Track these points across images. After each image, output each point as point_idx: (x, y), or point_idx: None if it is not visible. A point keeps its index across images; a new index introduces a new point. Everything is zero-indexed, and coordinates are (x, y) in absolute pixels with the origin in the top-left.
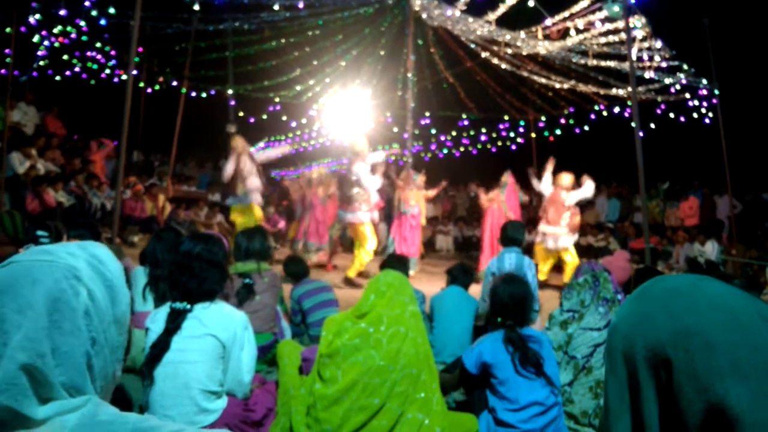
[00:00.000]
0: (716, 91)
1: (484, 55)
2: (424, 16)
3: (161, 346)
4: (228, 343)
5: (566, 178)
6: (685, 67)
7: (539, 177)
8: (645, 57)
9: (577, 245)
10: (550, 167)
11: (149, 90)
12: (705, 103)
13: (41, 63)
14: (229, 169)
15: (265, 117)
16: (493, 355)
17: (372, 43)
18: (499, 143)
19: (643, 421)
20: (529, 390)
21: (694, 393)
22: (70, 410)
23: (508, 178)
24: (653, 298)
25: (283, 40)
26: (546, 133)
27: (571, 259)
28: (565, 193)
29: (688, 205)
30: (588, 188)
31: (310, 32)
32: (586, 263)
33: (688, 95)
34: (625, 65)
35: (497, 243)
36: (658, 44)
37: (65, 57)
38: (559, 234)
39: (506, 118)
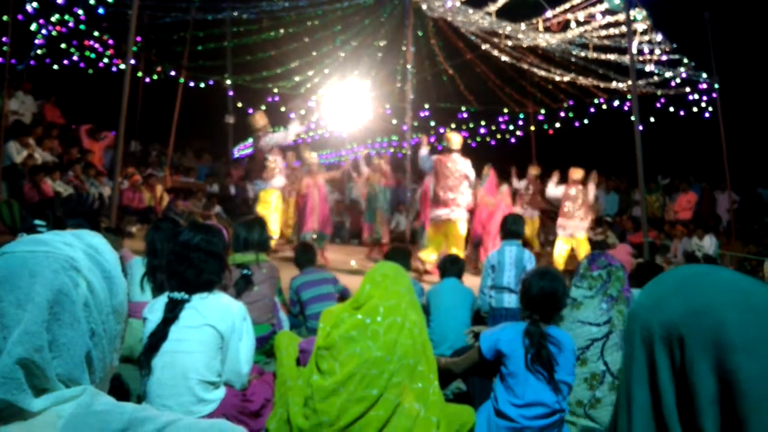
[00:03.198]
0: (716, 85)
1: (484, 47)
2: (424, 7)
3: (159, 336)
4: (226, 333)
5: (577, 173)
6: (686, 60)
7: (519, 176)
8: (645, 50)
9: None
10: (555, 178)
11: (147, 80)
12: (705, 97)
13: (39, 52)
14: (278, 138)
15: (263, 108)
16: (509, 346)
17: (371, 34)
18: (499, 136)
19: (661, 399)
20: (536, 390)
21: (705, 369)
22: (66, 400)
23: (488, 170)
24: (668, 283)
25: (282, 31)
26: (545, 126)
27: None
28: (575, 189)
29: (686, 198)
30: (591, 191)
31: (309, 22)
32: (602, 254)
33: (688, 89)
34: (626, 58)
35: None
36: (659, 37)
37: (63, 46)
38: (577, 226)
39: (506, 110)
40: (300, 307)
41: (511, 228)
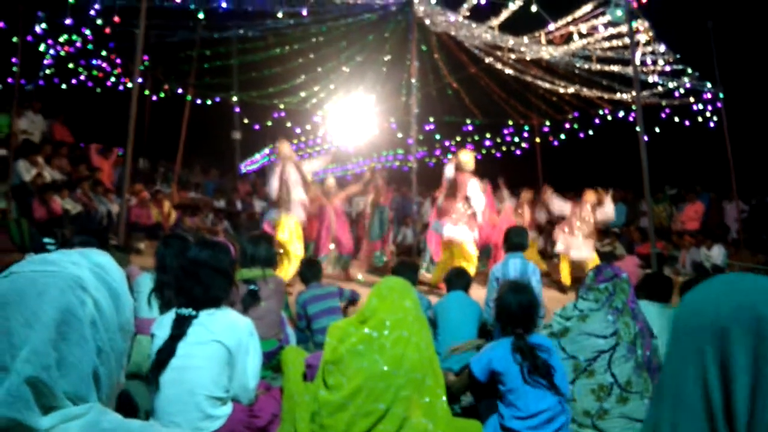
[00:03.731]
0: (721, 95)
1: (487, 60)
2: (427, 22)
3: (167, 352)
4: (233, 349)
5: (590, 195)
6: (689, 70)
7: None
8: (648, 61)
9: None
10: (548, 193)
11: (154, 97)
12: (709, 107)
13: (47, 71)
14: (274, 182)
15: (269, 123)
16: (502, 364)
17: (376, 50)
18: (504, 148)
19: (708, 388)
20: (537, 398)
21: (744, 355)
22: (73, 418)
23: (485, 186)
24: (717, 286)
25: (287, 47)
26: (551, 138)
27: None
28: (588, 208)
29: (693, 209)
30: (609, 208)
31: (314, 39)
32: (608, 266)
33: (692, 99)
34: (629, 69)
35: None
36: (662, 48)
37: (71, 65)
38: (581, 245)
39: (510, 123)
40: (307, 322)
41: (514, 240)
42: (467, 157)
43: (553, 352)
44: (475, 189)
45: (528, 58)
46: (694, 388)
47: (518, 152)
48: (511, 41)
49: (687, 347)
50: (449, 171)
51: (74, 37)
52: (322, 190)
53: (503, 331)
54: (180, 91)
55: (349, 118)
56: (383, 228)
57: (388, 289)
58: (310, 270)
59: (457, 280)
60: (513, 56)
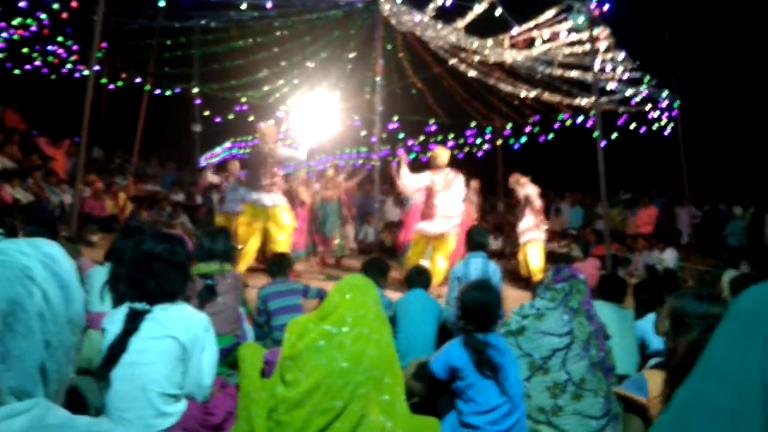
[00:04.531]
0: (677, 103)
1: (451, 61)
2: (393, 21)
3: (118, 347)
4: (188, 345)
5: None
6: (647, 78)
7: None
8: (608, 68)
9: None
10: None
11: (111, 86)
12: (666, 114)
13: (0, 56)
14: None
15: (231, 117)
16: (460, 359)
17: (341, 46)
18: (466, 149)
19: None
20: (496, 393)
21: None
22: (17, 414)
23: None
24: None
25: (250, 40)
26: (512, 141)
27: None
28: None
29: (647, 213)
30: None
31: (278, 33)
32: (567, 267)
33: (649, 106)
34: (589, 76)
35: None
36: (621, 56)
37: (25, 50)
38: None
39: (473, 124)
40: (266, 317)
41: (476, 239)
42: (444, 153)
43: (505, 353)
44: (459, 182)
45: (491, 61)
46: (751, 370)
47: (480, 153)
48: (475, 43)
49: (748, 332)
50: (407, 173)
51: (29, 20)
52: (296, 183)
53: (462, 328)
54: (138, 80)
55: (312, 114)
56: (328, 223)
57: (351, 287)
58: (277, 264)
59: (418, 278)
60: (477, 58)
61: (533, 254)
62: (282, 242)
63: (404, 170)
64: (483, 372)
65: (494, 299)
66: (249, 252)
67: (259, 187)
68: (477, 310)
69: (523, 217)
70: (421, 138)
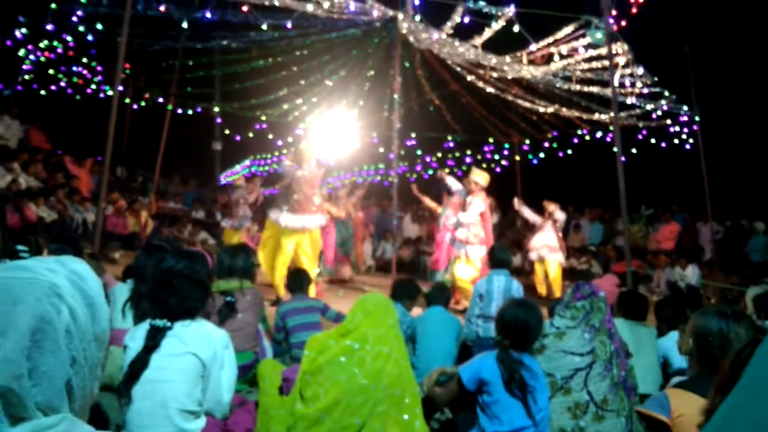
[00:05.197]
0: (697, 118)
1: (469, 78)
2: (411, 39)
3: (140, 364)
4: (208, 361)
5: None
6: (667, 93)
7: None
8: (627, 83)
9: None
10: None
11: (135, 106)
12: (686, 129)
13: (26, 77)
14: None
15: (251, 135)
16: (490, 373)
17: (359, 64)
18: (484, 165)
19: None
20: (520, 413)
21: None
22: (44, 429)
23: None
24: None
25: (270, 60)
26: (530, 156)
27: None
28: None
29: (669, 229)
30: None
31: (297, 52)
32: (586, 284)
33: (669, 121)
34: (608, 91)
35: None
36: (640, 71)
37: (51, 71)
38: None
39: (491, 140)
40: (285, 334)
41: (499, 257)
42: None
43: (538, 376)
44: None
45: (509, 77)
46: None
47: (498, 170)
48: (493, 60)
49: None
50: (479, 202)
51: (55, 43)
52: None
53: (498, 343)
54: (161, 100)
55: (331, 132)
56: (344, 243)
57: (374, 305)
58: (296, 280)
59: (438, 295)
60: (495, 75)
61: (553, 267)
62: (307, 264)
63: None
64: (512, 390)
65: (534, 319)
66: (278, 267)
67: (291, 208)
68: (516, 327)
69: (541, 232)
70: (439, 154)
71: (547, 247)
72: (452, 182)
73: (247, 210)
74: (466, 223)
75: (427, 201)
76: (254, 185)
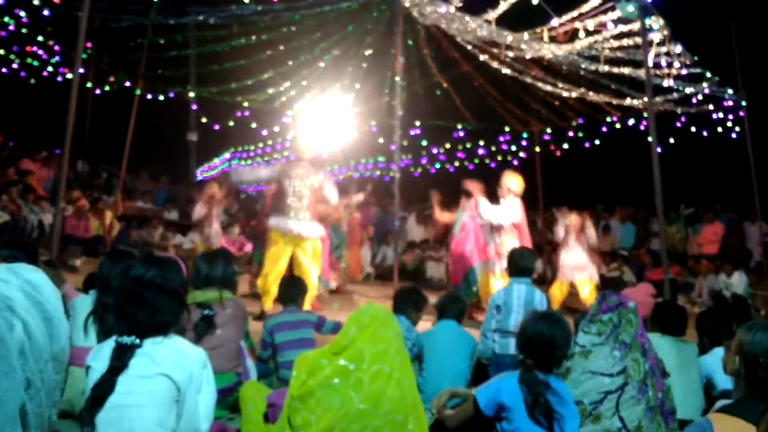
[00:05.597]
0: (743, 102)
1: (482, 58)
2: (415, 13)
3: (104, 387)
4: (183, 384)
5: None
6: (708, 75)
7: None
8: (663, 63)
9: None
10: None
11: (98, 91)
12: (731, 116)
13: None
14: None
15: (231, 123)
16: (512, 397)
17: (356, 43)
18: (499, 157)
19: None
20: None
21: None
22: None
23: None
24: None
25: (253, 37)
26: (552, 147)
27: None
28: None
29: (712, 230)
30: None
31: (285, 29)
32: (613, 294)
33: (711, 106)
34: (641, 72)
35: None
36: (678, 49)
37: (1, 52)
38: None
39: (507, 129)
40: (272, 352)
41: (520, 263)
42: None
43: (566, 402)
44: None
45: (528, 57)
46: None
47: (515, 162)
48: (509, 37)
49: None
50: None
51: (6, 19)
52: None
53: (521, 362)
54: (128, 84)
55: (323, 120)
56: (336, 248)
57: (370, 318)
58: (289, 290)
59: (451, 306)
60: (511, 54)
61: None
62: (309, 276)
63: (484, 204)
64: (535, 417)
65: (560, 335)
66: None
67: (285, 211)
68: (540, 344)
69: (567, 249)
70: (447, 145)
71: (576, 269)
72: (485, 208)
73: (217, 225)
74: (496, 224)
75: (442, 216)
76: (216, 194)
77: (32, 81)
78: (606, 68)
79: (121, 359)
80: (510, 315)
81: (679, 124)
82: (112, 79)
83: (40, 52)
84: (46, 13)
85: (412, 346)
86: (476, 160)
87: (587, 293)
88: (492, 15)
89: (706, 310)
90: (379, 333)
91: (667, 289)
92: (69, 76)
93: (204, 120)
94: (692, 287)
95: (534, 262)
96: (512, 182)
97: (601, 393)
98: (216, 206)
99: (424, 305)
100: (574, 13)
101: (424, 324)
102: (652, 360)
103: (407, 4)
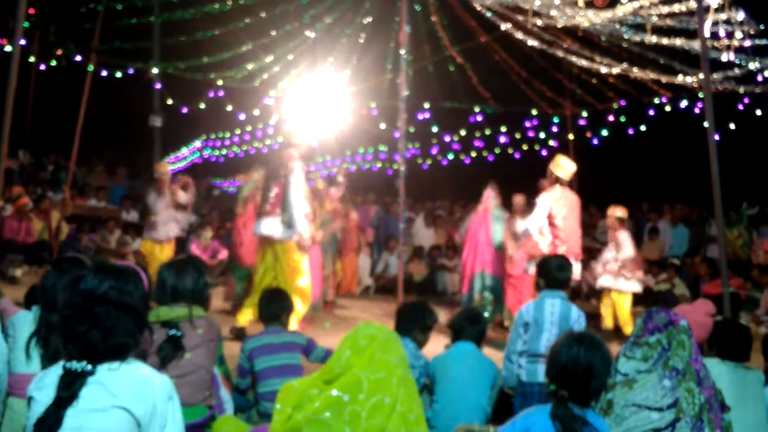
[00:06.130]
0: None
1: (504, 27)
2: None
3: (49, 422)
4: (144, 419)
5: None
6: None
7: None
8: (722, 33)
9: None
10: None
11: (43, 66)
12: None
13: None
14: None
15: (203, 106)
16: None
17: (352, 8)
18: (525, 146)
19: None
20: None
21: None
22: None
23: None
24: None
25: (229, 2)
26: (589, 134)
27: None
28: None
29: None
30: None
31: None
32: (662, 311)
33: None
34: (696, 44)
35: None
36: (741, 16)
37: None
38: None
39: (534, 112)
40: (252, 381)
41: (555, 274)
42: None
43: None
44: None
45: (559, 26)
46: None
47: (544, 152)
48: (537, 1)
49: None
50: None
51: None
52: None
53: (552, 394)
54: (79, 58)
55: (313, 102)
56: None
57: (368, 339)
58: (270, 305)
59: (470, 326)
60: (539, 22)
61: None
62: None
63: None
64: None
65: (600, 361)
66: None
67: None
68: (575, 372)
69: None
70: (462, 132)
71: (609, 273)
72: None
73: (168, 215)
74: (527, 234)
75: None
76: (165, 175)
77: None
78: (653, 39)
79: (69, 389)
80: (541, 335)
81: (741, 107)
82: (60, 52)
83: None
84: None
85: (420, 376)
86: (497, 150)
87: (622, 308)
88: None
89: None
90: (378, 357)
91: (726, 305)
92: (8, 48)
93: (170, 102)
94: (757, 303)
95: (571, 273)
96: (560, 169)
97: (648, 431)
98: (167, 190)
99: (433, 324)
100: None
101: (435, 346)
102: (709, 391)
103: None
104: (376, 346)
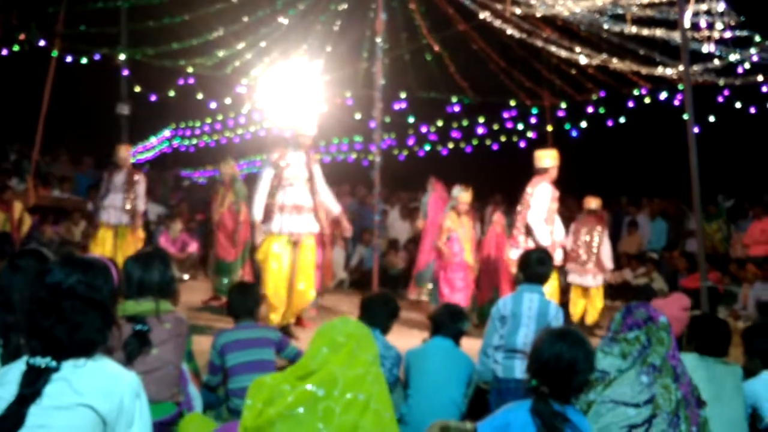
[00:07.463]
0: None
1: (482, 15)
2: None
3: (11, 421)
4: (110, 416)
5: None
6: (758, 38)
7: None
8: (702, 24)
9: (609, 283)
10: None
11: (4, 51)
12: None
13: None
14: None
15: (172, 94)
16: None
17: None
18: (503, 138)
19: None
20: None
21: None
22: None
23: (434, 184)
24: None
25: None
26: (567, 126)
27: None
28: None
29: (760, 227)
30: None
31: None
32: (641, 305)
33: (761, 77)
34: (676, 35)
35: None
36: (721, 7)
37: None
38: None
39: (513, 103)
40: (222, 377)
41: (535, 269)
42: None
43: None
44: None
45: (538, 15)
46: None
47: (523, 143)
48: None
49: None
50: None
51: None
52: None
53: (533, 389)
54: (42, 43)
55: (286, 90)
56: None
57: (345, 336)
58: (242, 298)
59: (450, 322)
60: (518, 11)
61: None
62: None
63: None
64: None
65: (583, 358)
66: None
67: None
68: (557, 368)
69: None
70: (439, 123)
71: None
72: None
73: (115, 197)
74: (536, 225)
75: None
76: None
77: None
78: (633, 30)
79: (33, 386)
80: (518, 329)
81: (721, 99)
82: (22, 36)
83: None
84: None
85: (392, 367)
86: (475, 141)
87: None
88: None
89: (754, 326)
90: (355, 354)
91: (705, 299)
92: None
93: (138, 89)
94: (736, 297)
95: (551, 268)
96: (544, 159)
97: (625, 427)
98: (117, 171)
99: (397, 312)
100: None
101: (412, 341)
102: (686, 386)
103: None
104: (353, 343)
